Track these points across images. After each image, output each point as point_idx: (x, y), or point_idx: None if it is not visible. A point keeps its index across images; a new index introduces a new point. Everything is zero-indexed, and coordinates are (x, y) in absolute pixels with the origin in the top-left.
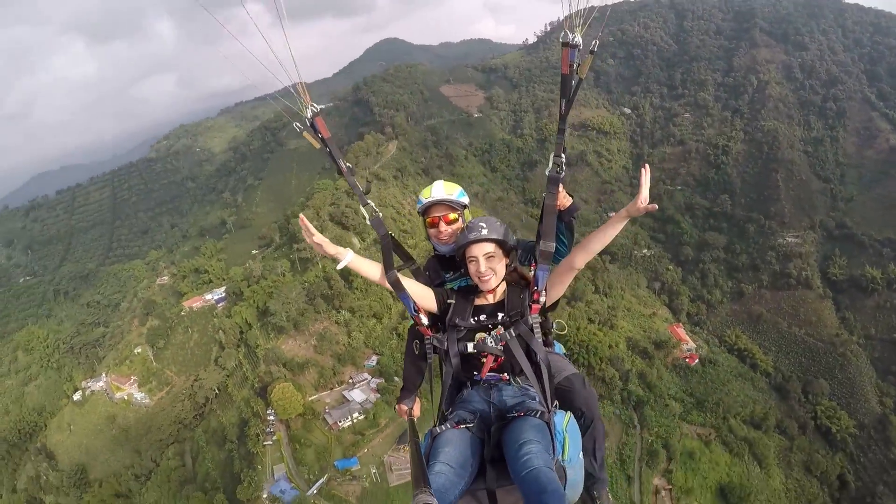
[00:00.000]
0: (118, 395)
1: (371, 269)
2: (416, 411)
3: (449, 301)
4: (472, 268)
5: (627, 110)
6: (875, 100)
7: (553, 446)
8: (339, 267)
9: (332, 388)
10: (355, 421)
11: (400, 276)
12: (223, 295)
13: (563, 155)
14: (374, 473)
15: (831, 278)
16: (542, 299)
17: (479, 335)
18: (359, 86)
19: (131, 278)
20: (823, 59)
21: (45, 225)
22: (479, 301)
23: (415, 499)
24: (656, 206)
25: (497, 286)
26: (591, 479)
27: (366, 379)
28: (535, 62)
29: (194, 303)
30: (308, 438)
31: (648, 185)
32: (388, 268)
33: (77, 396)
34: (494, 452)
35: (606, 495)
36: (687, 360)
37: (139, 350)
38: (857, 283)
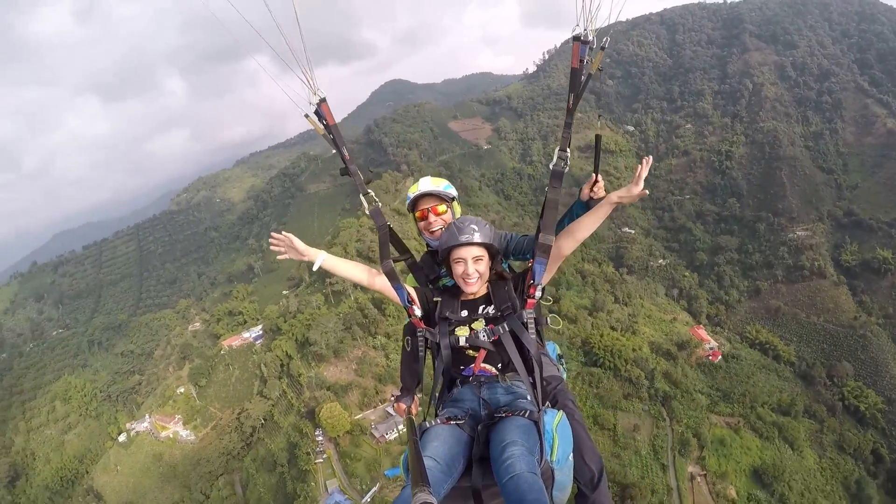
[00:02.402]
0: (163, 433)
1: (349, 269)
2: (415, 409)
3: (435, 299)
4: (457, 269)
5: (631, 128)
6: (868, 87)
7: (542, 447)
8: (315, 268)
9: (375, 407)
10: (401, 433)
11: (384, 277)
12: (260, 332)
13: (567, 150)
14: None
15: (844, 265)
16: (539, 294)
17: (470, 328)
18: (370, 128)
19: (163, 327)
20: (814, 55)
21: (73, 279)
22: (464, 297)
23: (414, 497)
24: (647, 192)
25: (482, 287)
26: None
27: None
28: (536, 90)
29: (233, 342)
30: (357, 453)
31: (645, 174)
32: (384, 257)
33: (122, 438)
34: (483, 451)
35: None
36: (710, 357)
37: (182, 389)
38: (869, 266)
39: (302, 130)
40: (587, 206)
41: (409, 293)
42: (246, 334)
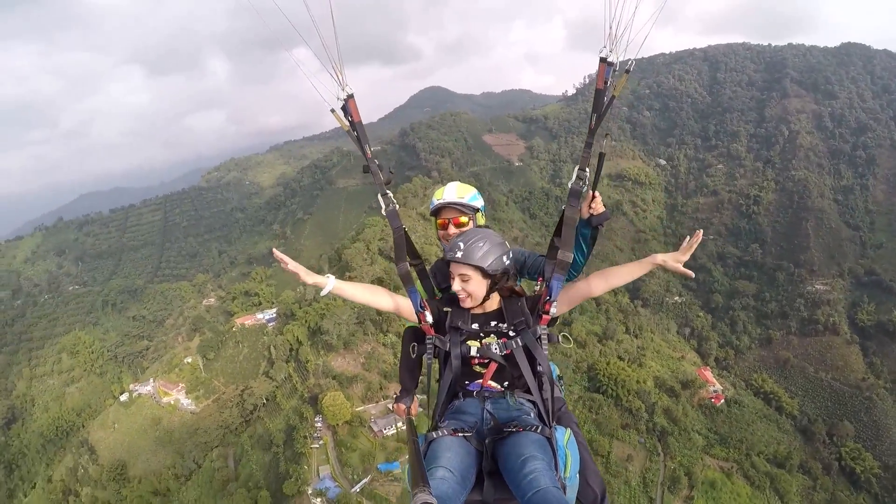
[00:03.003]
0: (165, 399)
1: (356, 292)
2: (415, 410)
3: (445, 309)
4: (452, 283)
5: (662, 161)
6: None
7: (556, 463)
8: (323, 294)
9: (377, 402)
10: (399, 430)
11: (404, 298)
12: (274, 315)
13: (586, 169)
14: None
15: (859, 324)
16: (554, 311)
17: (483, 340)
18: (406, 131)
19: (178, 297)
20: (853, 107)
21: (97, 239)
22: (476, 310)
23: (414, 498)
24: (693, 275)
25: (486, 301)
26: None
27: None
28: (573, 114)
29: (246, 320)
30: (353, 444)
31: (692, 251)
32: (399, 260)
33: (124, 397)
34: (492, 465)
35: None
36: (713, 399)
37: (189, 360)
38: (884, 328)
39: (337, 125)
40: (588, 223)
41: (421, 298)
42: (260, 315)
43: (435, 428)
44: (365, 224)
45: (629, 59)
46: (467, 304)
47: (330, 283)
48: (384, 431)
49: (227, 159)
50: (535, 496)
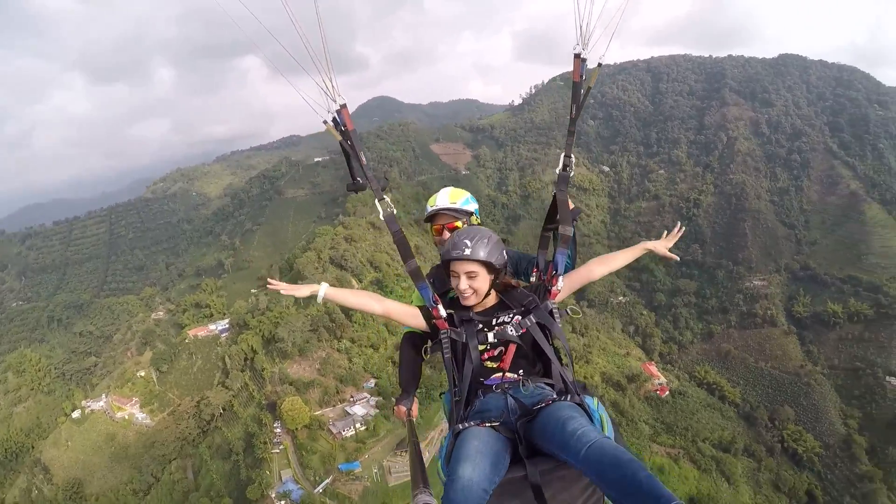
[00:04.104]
0: (119, 414)
1: (348, 297)
2: (415, 412)
3: (449, 311)
4: (453, 282)
5: (606, 168)
6: (837, 149)
7: (593, 423)
8: (319, 300)
9: (334, 406)
10: (357, 430)
11: (394, 302)
12: (227, 326)
13: (572, 155)
14: (376, 473)
15: (796, 315)
16: (561, 285)
17: (497, 326)
18: None
19: (125, 312)
20: (789, 114)
21: (40, 253)
22: (477, 308)
23: (414, 499)
24: (678, 258)
25: (480, 302)
26: None
27: (365, 397)
28: (520, 123)
29: (198, 332)
30: (313, 447)
31: (676, 239)
32: (407, 258)
33: (76, 415)
34: (528, 450)
35: None
36: (658, 391)
37: (142, 373)
38: (820, 318)
39: (284, 135)
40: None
41: (433, 293)
42: (212, 326)
43: (460, 420)
44: (315, 233)
45: (601, 56)
46: (471, 301)
47: (322, 290)
48: (343, 433)
49: (173, 170)
50: (591, 450)
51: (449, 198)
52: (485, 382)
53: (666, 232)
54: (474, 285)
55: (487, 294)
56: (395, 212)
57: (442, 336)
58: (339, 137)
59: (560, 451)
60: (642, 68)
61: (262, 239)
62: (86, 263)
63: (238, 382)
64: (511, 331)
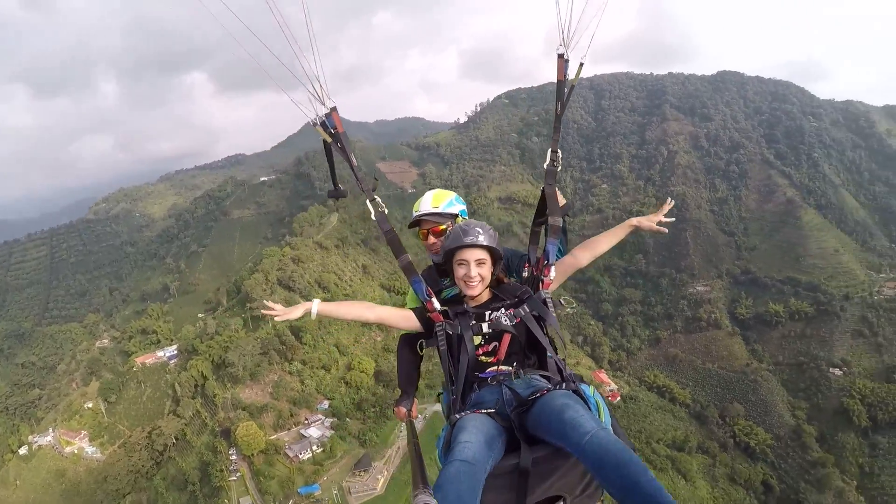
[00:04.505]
0: (68, 449)
1: (342, 309)
2: (415, 412)
3: (443, 307)
4: (460, 271)
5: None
6: (773, 159)
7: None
8: (313, 317)
9: (289, 429)
10: (314, 453)
11: (385, 307)
12: (175, 352)
13: (558, 151)
14: (336, 494)
15: (739, 317)
16: (553, 275)
17: (491, 316)
18: (301, 160)
19: (68, 340)
20: (727, 128)
21: None
22: (472, 303)
23: (415, 499)
24: (667, 231)
25: (483, 292)
26: None
27: (320, 419)
28: (465, 140)
29: (146, 359)
30: (271, 472)
31: (664, 213)
32: (399, 253)
33: (23, 451)
34: (523, 436)
35: None
36: (609, 397)
37: (90, 405)
38: (762, 318)
39: (230, 153)
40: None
41: (426, 287)
42: (160, 353)
43: (457, 412)
44: (263, 255)
45: (582, 56)
46: (478, 289)
47: (315, 307)
48: (300, 456)
49: (116, 189)
50: (590, 444)
51: (432, 202)
52: (480, 375)
53: (668, 203)
54: (482, 272)
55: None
56: (386, 211)
57: (437, 329)
58: (330, 140)
59: (558, 441)
60: (585, 86)
61: (208, 261)
62: (26, 289)
63: (190, 410)
64: (505, 321)
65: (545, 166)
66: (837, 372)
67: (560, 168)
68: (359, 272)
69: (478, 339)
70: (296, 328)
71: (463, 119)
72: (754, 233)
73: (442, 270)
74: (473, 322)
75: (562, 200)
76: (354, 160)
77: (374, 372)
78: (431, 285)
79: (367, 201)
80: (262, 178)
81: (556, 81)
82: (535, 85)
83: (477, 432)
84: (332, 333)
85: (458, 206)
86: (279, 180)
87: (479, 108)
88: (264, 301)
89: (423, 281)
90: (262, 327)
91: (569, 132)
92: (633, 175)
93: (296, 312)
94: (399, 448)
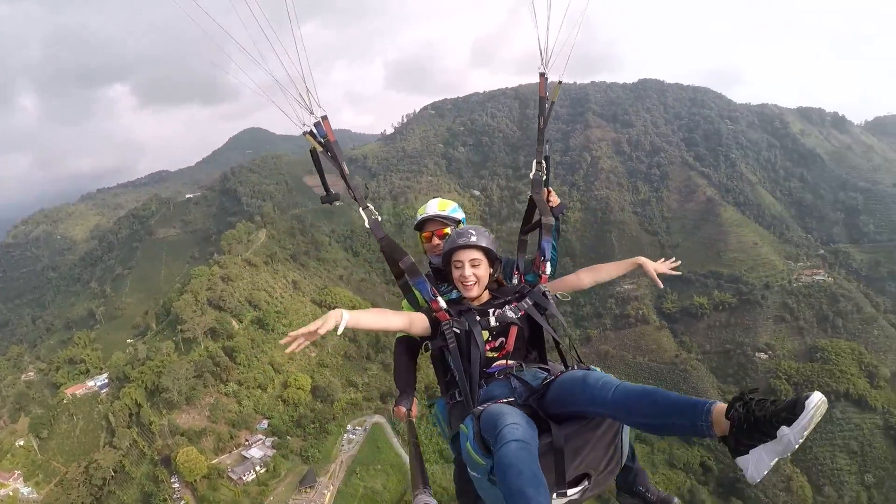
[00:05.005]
0: (2, 491)
1: (370, 319)
2: (415, 412)
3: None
4: (456, 273)
5: (477, 192)
6: (693, 161)
7: None
8: (340, 332)
9: (231, 451)
10: (258, 474)
11: (404, 313)
12: (106, 381)
13: (542, 162)
14: None
15: (666, 312)
16: (549, 270)
17: (496, 311)
18: (227, 175)
19: None
20: (648, 133)
21: None
22: (474, 303)
23: (415, 499)
24: (662, 285)
25: (481, 293)
26: (629, 472)
27: (260, 439)
28: (392, 152)
29: (76, 390)
30: (216, 497)
31: (669, 268)
32: (401, 255)
33: None
34: (547, 417)
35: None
36: None
37: (21, 442)
38: (688, 311)
39: (153, 170)
40: (551, 214)
41: (431, 286)
42: (90, 383)
43: (476, 405)
44: (191, 275)
45: (560, 74)
46: (474, 291)
47: (344, 319)
48: (244, 478)
49: (36, 211)
50: (617, 392)
51: (437, 206)
52: (487, 371)
53: (664, 259)
54: (478, 273)
55: (481, 292)
56: (379, 218)
57: (444, 327)
58: (321, 148)
59: (587, 405)
60: (510, 95)
61: (135, 284)
62: None
63: (126, 440)
64: (510, 314)
65: (531, 175)
66: (763, 356)
67: (545, 177)
68: (289, 288)
69: (485, 335)
70: (229, 348)
71: (389, 130)
72: (676, 231)
73: (441, 275)
74: (479, 318)
75: (556, 201)
76: (346, 168)
77: (311, 388)
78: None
79: (360, 209)
80: (188, 196)
81: (538, 97)
82: (461, 95)
83: (516, 415)
84: (266, 352)
85: (460, 214)
86: (205, 197)
87: (405, 120)
88: (288, 334)
89: (428, 281)
90: (194, 349)
91: (494, 141)
92: (557, 181)
93: (326, 327)
94: (342, 462)
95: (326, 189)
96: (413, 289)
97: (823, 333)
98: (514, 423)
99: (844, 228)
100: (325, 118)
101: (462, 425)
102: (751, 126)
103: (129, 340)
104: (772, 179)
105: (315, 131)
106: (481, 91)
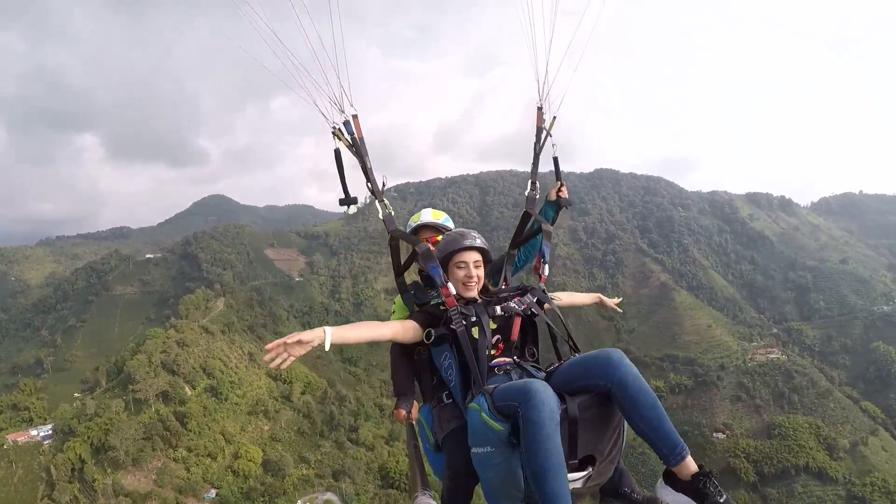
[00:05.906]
0: None
1: (356, 333)
2: (415, 414)
3: (443, 308)
4: (460, 273)
5: None
6: (647, 248)
7: None
8: (327, 347)
9: None
10: None
11: (392, 322)
12: (50, 432)
13: (536, 183)
14: None
15: None
16: (547, 271)
17: (500, 304)
18: (189, 240)
19: None
20: (603, 221)
21: None
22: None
23: (414, 500)
24: (621, 311)
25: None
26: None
27: None
28: (353, 231)
29: (17, 437)
30: None
31: (615, 304)
32: (414, 243)
33: None
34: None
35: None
36: None
37: None
38: None
39: (114, 225)
40: (556, 205)
41: (442, 273)
42: (33, 431)
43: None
44: (146, 335)
45: (557, 107)
46: (475, 291)
47: (328, 335)
48: None
49: None
50: (629, 375)
51: (431, 215)
52: (491, 364)
53: (618, 298)
54: (480, 274)
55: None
56: (393, 213)
57: (452, 313)
58: (349, 145)
59: (596, 378)
60: (471, 182)
61: (87, 338)
62: None
63: (66, 495)
64: (515, 306)
65: (527, 193)
66: (721, 436)
67: (538, 195)
68: (245, 359)
69: (492, 324)
70: (180, 413)
71: (352, 210)
72: (632, 316)
73: (430, 283)
74: (486, 308)
75: (566, 194)
76: (370, 163)
77: (262, 461)
78: (420, 295)
79: (377, 202)
80: (148, 255)
81: (535, 127)
82: (424, 180)
83: (539, 382)
84: (218, 421)
85: (451, 224)
86: (165, 259)
87: (367, 200)
88: (265, 347)
89: (439, 267)
90: (144, 411)
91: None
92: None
93: (313, 338)
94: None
95: (346, 191)
96: (407, 291)
97: (780, 410)
98: (543, 386)
99: (796, 306)
100: (355, 117)
101: (472, 404)
102: (702, 212)
103: (76, 394)
104: (723, 263)
105: (343, 129)
106: (443, 176)
